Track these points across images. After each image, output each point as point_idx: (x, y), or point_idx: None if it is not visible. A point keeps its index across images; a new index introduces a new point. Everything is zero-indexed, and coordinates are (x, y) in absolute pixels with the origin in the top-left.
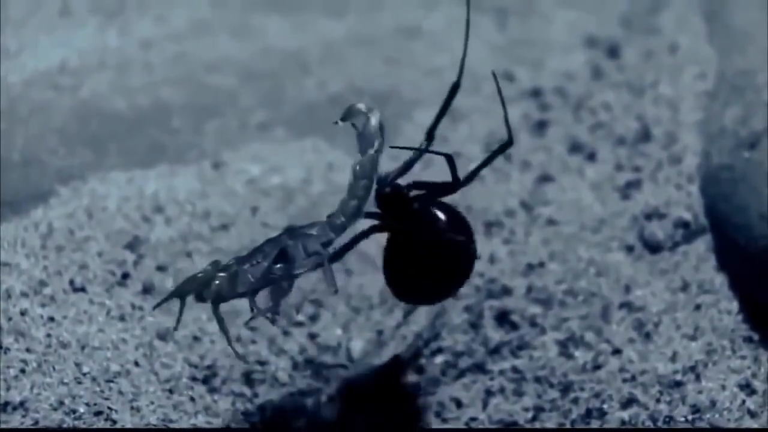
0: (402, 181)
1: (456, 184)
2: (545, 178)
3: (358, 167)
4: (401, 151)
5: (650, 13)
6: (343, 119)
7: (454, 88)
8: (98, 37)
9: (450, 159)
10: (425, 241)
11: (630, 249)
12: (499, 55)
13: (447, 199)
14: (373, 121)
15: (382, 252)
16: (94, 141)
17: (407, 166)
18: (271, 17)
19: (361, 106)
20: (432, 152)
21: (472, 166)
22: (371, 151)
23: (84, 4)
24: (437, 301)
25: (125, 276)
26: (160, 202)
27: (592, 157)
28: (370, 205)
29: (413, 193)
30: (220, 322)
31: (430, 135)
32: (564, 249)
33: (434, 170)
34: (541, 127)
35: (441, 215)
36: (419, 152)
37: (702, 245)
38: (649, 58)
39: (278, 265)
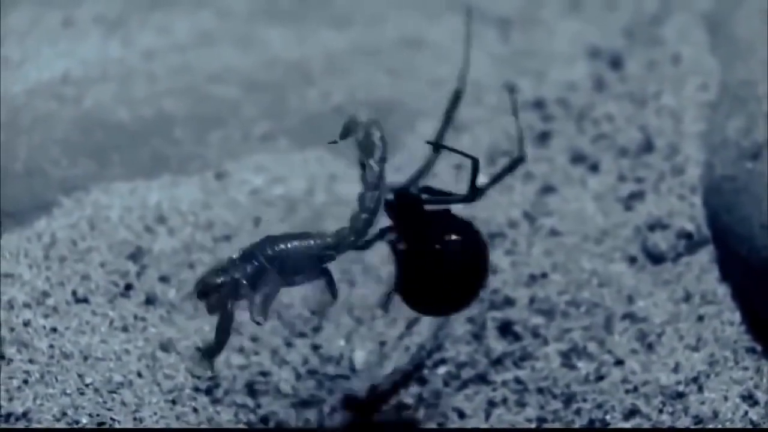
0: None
1: (473, 193)
2: (548, 189)
3: (364, 179)
4: (405, 163)
5: (653, 24)
6: (342, 136)
7: (457, 96)
8: (101, 48)
9: (476, 164)
10: (438, 249)
11: (633, 260)
12: (501, 66)
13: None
14: (374, 131)
15: (393, 262)
16: (97, 151)
17: (419, 175)
18: (275, 28)
19: (359, 117)
20: (460, 153)
21: (482, 180)
22: (374, 162)
23: (87, 14)
24: (453, 312)
25: (128, 287)
26: (163, 212)
27: (594, 168)
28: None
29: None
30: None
31: (437, 146)
32: (567, 260)
33: (436, 183)
34: (543, 138)
35: (454, 223)
36: (433, 159)
37: (705, 256)
38: (651, 69)
39: (275, 273)
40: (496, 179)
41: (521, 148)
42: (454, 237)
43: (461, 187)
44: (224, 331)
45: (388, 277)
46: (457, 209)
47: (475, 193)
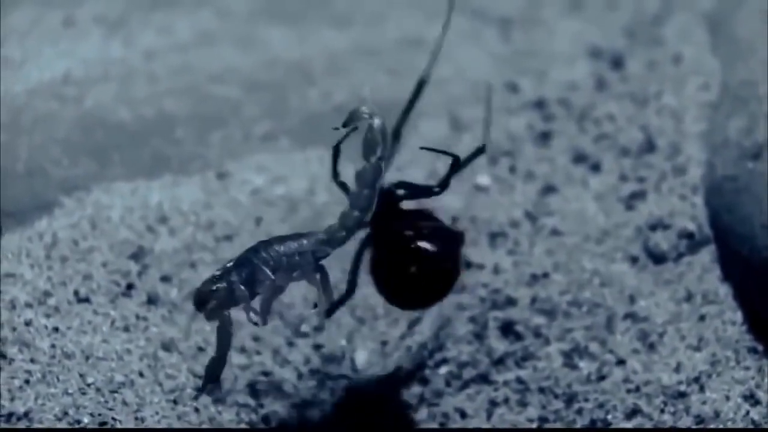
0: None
1: (443, 187)
2: (549, 189)
3: (359, 176)
4: (406, 163)
5: (654, 24)
6: (345, 124)
7: (420, 85)
8: (102, 48)
9: (456, 161)
10: (410, 243)
11: (634, 260)
12: (502, 66)
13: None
14: (376, 124)
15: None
16: (98, 151)
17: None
18: (276, 28)
19: (364, 109)
20: (439, 152)
21: (478, 177)
22: (373, 159)
23: (88, 14)
24: (427, 306)
25: (129, 286)
26: (165, 212)
27: (596, 167)
28: None
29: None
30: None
31: (397, 134)
32: (568, 260)
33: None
34: (545, 138)
35: (427, 218)
36: (394, 150)
37: (706, 256)
38: (652, 68)
39: (270, 275)
40: (457, 168)
41: (486, 137)
42: (425, 232)
43: (457, 184)
44: (225, 339)
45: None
46: (457, 211)
47: (443, 185)
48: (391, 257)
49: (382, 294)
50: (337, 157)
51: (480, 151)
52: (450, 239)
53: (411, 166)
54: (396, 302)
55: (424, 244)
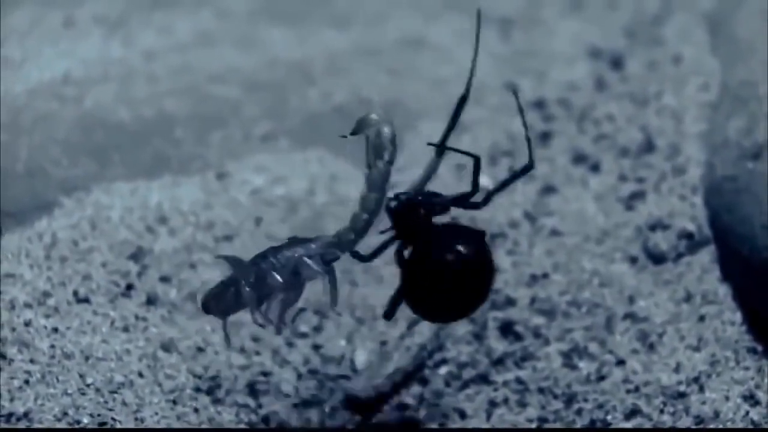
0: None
1: (473, 192)
2: (549, 189)
3: (368, 180)
4: (406, 164)
5: (654, 25)
6: (354, 132)
7: (462, 101)
8: (102, 48)
9: (477, 161)
10: (440, 256)
11: (634, 260)
12: (502, 66)
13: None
14: (386, 131)
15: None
16: (98, 152)
17: (425, 179)
18: (276, 28)
19: (374, 116)
20: (463, 153)
21: (483, 180)
22: (381, 163)
23: (88, 14)
24: (458, 319)
25: (129, 287)
26: (164, 212)
27: (595, 168)
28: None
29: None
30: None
31: (441, 152)
32: (568, 260)
33: (438, 184)
34: (544, 138)
35: (455, 229)
36: (437, 161)
37: (706, 256)
38: (652, 69)
39: (279, 280)
40: (503, 185)
41: (531, 156)
42: (459, 246)
43: (462, 187)
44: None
45: (392, 283)
46: (458, 210)
47: (486, 199)
48: (422, 272)
49: (416, 310)
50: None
51: (528, 168)
52: (478, 240)
53: (411, 166)
54: (440, 318)
55: (458, 253)
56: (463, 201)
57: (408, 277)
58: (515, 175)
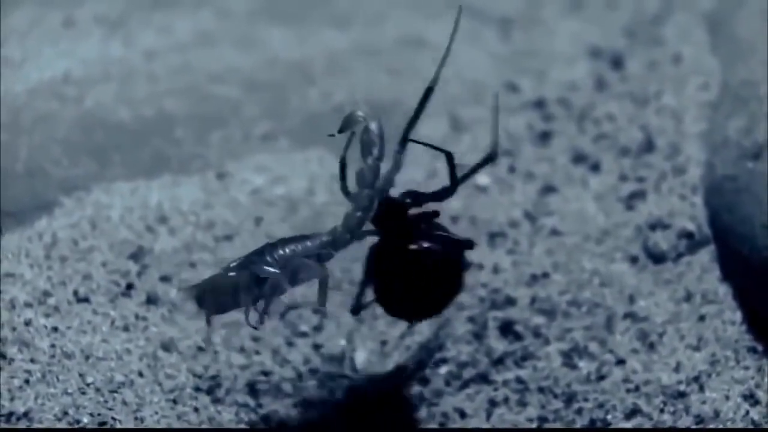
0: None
1: (453, 187)
2: (549, 189)
3: (359, 177)
4: (406, 164)
5: (654, 24)
6: (341, 130)
7: (428, 92)
8: (102, 48)
9: (450, 157)
10: (416, 254)
11: (634, 259)
12: (502, 66)
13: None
14: (373, 127)
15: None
16: (98, 151)
17: (392, 175)
18: (276, 28)
19: (359, 113)
20: (432, 147)
21: (478, 177)
22: (370, 160)
23: (88, 14)
24: (425, 318)
25: (129, 286)
26: (164, 212)
27: (595, 167)
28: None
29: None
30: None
31: (404, 140)
32: (568, 259)
33: (437, 182)
34: (544, 137)
35: (433, 229)
36: (401, 154)
37: (706, 256)
38: (652, 68)
39: (272, 278)
40: (466, 175)
41: (494, 145)
42: (429, 245)
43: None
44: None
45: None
46: (457, 211)
47: (452, 188)
48: (393, 269)
49: (381, 304)
50: (344, 168)
51: (489, 158)
52: (453, 250)
53: (411, 165)
54: (395, 313)
55: (425, 258)
56: (441, 196)
57: (372, 267)
58: (478, 165)
